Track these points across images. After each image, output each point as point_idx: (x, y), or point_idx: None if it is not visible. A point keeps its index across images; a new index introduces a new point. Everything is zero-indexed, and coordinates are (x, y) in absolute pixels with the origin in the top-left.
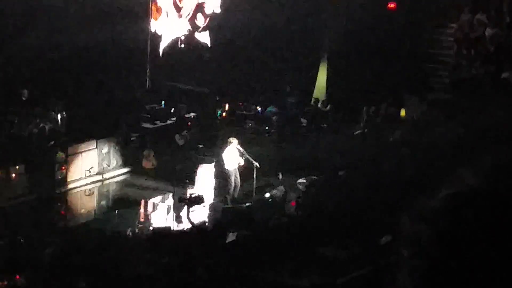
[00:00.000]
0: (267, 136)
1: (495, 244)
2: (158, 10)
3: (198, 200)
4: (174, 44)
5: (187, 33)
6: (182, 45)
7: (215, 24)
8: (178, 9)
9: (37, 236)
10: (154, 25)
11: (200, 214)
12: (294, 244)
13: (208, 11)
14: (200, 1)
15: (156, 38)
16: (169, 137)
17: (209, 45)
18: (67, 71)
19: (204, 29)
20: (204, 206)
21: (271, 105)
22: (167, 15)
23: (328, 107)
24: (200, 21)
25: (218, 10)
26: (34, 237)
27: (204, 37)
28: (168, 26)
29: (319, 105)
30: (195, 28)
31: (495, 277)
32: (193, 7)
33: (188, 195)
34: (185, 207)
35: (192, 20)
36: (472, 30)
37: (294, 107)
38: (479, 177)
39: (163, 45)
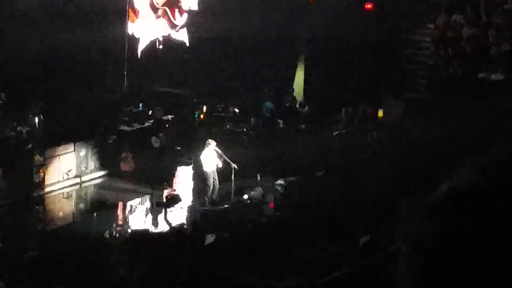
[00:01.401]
0: (245, 137)
1: (491, 240)
2: (136, 12)
3: (175, 200)
4: (152, 45)
5: (165, 33)
6: (160, 46)
7: (192, 25)
8: (155, 9)
9: (15, 240)
10: (132, 28)
11: (178, 216)
12: (272, 245)
13: (185, 7)
14: None
15: (134, 40)
16: (147, 139)
17: (187, 44)
18: (44, 74)
19: (182, 27)
20: (182, 208)
21: (269, 100)
22: (145, 17)
23: (306, 107)
24: (178, 19)
25: (195, 7)
26: (12, 241)
27: (182, 36)
28: (146, 28)
29: (297, 106)
30: (173, 27)
31: (491, 273)
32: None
33: (164, 196)
34: (164, 208)
35: (167, 15)
36: (449, 30)
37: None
38: (473, 175)
39: (141, 47)
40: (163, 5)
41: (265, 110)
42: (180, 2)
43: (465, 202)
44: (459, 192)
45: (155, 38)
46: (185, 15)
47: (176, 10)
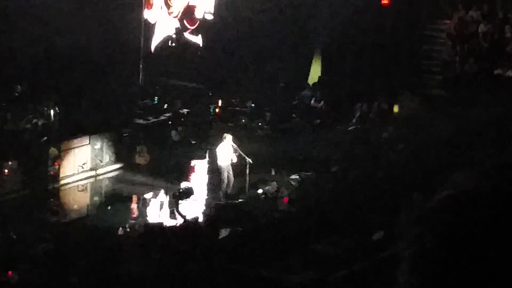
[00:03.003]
0: (260, 132)
1: (493, 244)
2: (151, 5)
3: (188, 192)
4: (167, 39)
5: (178, 32)
6: (173, 44)
7: (208, 24)
8: (169, 7)
9: (30, 232)
10: (147, 14)
11: (193, 210)
12: (286, 240)
13: (198, 14)
14: (191, 4)
15: (149, 33)
16: (162, 133)
17: (201, 45)
18: (60, 67)
19: (194, 31)
20: (196, 201)
21: (306, 88)
22: (161, 8)
23: (321, 103)
24: (189, 23)
25: (209, 17)
26: (27, 233)
27: (195, 38)
28: (160, 20)
29: (312, 101)
30: (184, 28)
31: (494, 277)
32: (182, 7)
33: (178, 189)
34: (176, 201)
35: (182, 21)
36: (465, 26)
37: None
38: (477, 176)
39: (155, 42)
40: (176, 5)
41: (304, 99)
42: (194, 12)
43: (466, 206)
44: (459, 196)
45: (169, 34)
46: (198, 22)
47: (190, 16)
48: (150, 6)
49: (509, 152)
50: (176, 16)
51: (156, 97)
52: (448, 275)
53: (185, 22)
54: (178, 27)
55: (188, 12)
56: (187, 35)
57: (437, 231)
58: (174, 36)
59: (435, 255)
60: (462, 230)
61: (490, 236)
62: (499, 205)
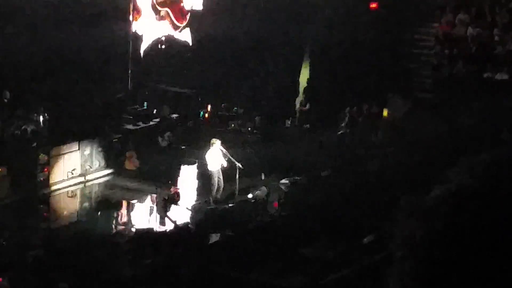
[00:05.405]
0: (249, 136)
1: (487, 242)
2: (138, 11)
3: (177, 197)
4: (155, 45)
5: (167, 33)
6: (163, 46)
7: (196, 25)
8: (157, 11)
9: (20, 238)
10: (135, 26)
11: (183, 215)
12: (277, 244)
13: (187, 6)
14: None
15: (138, 39)
16: (151, 138)
17: (190, 44)
18: (49, 73)
19: (185, 27)
20: (186, 207)
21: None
22: (147, 16)
23: (307, 106)
24: (180, 20)
25: (198, 7)
26: (16, 239)
27: (185, 36)
28: (148, 27)
29: (297, 105)
30: (175, 27)
31: (489, 276)
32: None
33: (167, 194)
34: (166, 206)
35: (171, 20)
36: (454, 29)
37: None
38: (468, 177)
39: (144, 46)
40: (163, 6)
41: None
42: (182, 2)
43: (462, 205)
44: (455, 195)
45: (158, 37)
46: (188, 15)
47: (178, 10)
48: (138, 15)
49: (499, 152)
50: (165, 17)
51: (146, 103)
52: (445, 273)
53: (174, 20)
54: (167, 30)
55: (176, 6)
56: (177, 35)
57: (434, 228)
58: (163, 38)
59: (429, 256)
60: (458, 227)
61: (485, 237)
62: (495, 202)
